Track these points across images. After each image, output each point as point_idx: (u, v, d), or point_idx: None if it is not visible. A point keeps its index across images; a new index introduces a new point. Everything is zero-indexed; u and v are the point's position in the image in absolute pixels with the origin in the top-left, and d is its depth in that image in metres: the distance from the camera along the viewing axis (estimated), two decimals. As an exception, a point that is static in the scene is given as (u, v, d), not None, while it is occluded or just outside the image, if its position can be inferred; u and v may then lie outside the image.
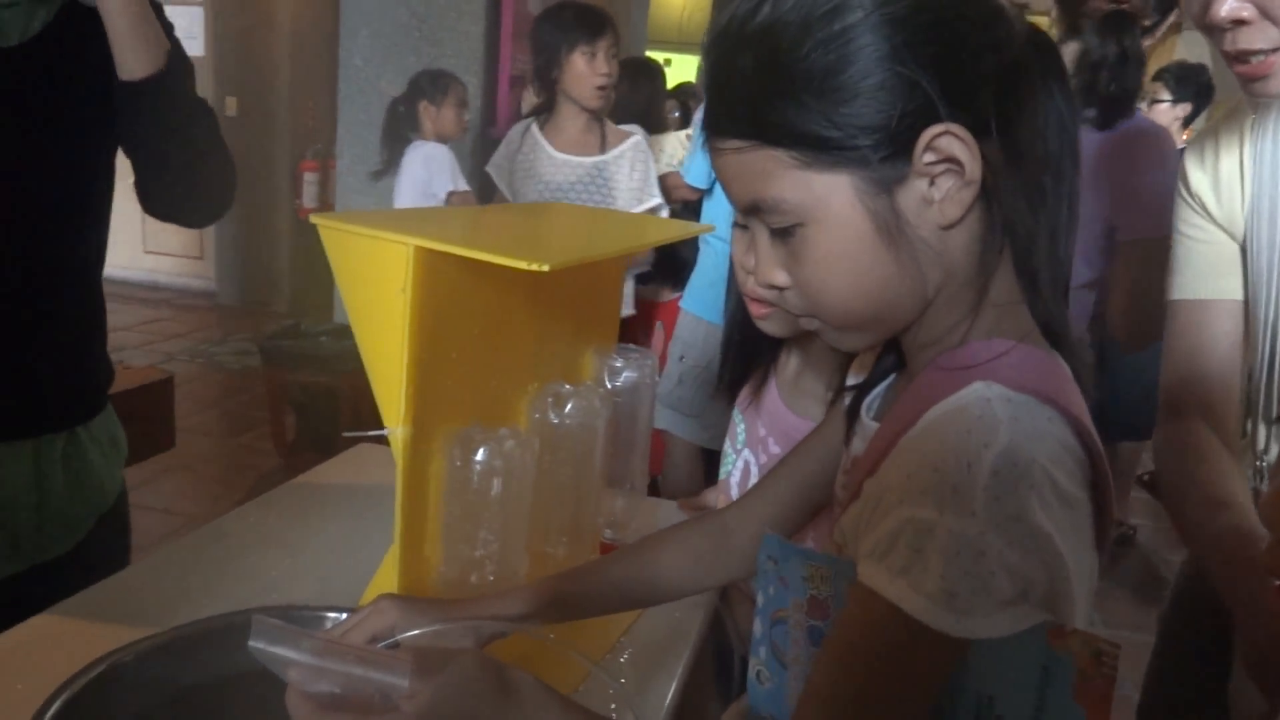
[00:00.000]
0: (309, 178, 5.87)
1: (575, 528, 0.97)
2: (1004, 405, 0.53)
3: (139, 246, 6.33)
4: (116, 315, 5.27)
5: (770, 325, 0.99)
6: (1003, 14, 0.59)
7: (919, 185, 0.57)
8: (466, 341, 0.83)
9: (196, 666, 0.74)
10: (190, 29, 5.80)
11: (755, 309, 0.95)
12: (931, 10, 0.56)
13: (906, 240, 0.58)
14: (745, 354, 1.21)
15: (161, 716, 0.71)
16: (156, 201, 1.11)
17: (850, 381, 0.79)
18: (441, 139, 3.01)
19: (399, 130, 3.04)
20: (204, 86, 5.76)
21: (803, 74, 0.56)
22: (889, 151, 0.56)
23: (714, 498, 1.40)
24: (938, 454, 0.53)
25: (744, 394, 1.27)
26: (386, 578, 0.81)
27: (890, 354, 0.73)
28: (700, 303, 2.31)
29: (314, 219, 0.76)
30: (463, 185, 2.94)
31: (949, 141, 0.56)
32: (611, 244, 0.92)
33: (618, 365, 1.06)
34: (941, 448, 0.53)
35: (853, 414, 0.73)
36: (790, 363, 1.17)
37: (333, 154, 4.07)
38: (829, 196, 0.58)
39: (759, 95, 0.58)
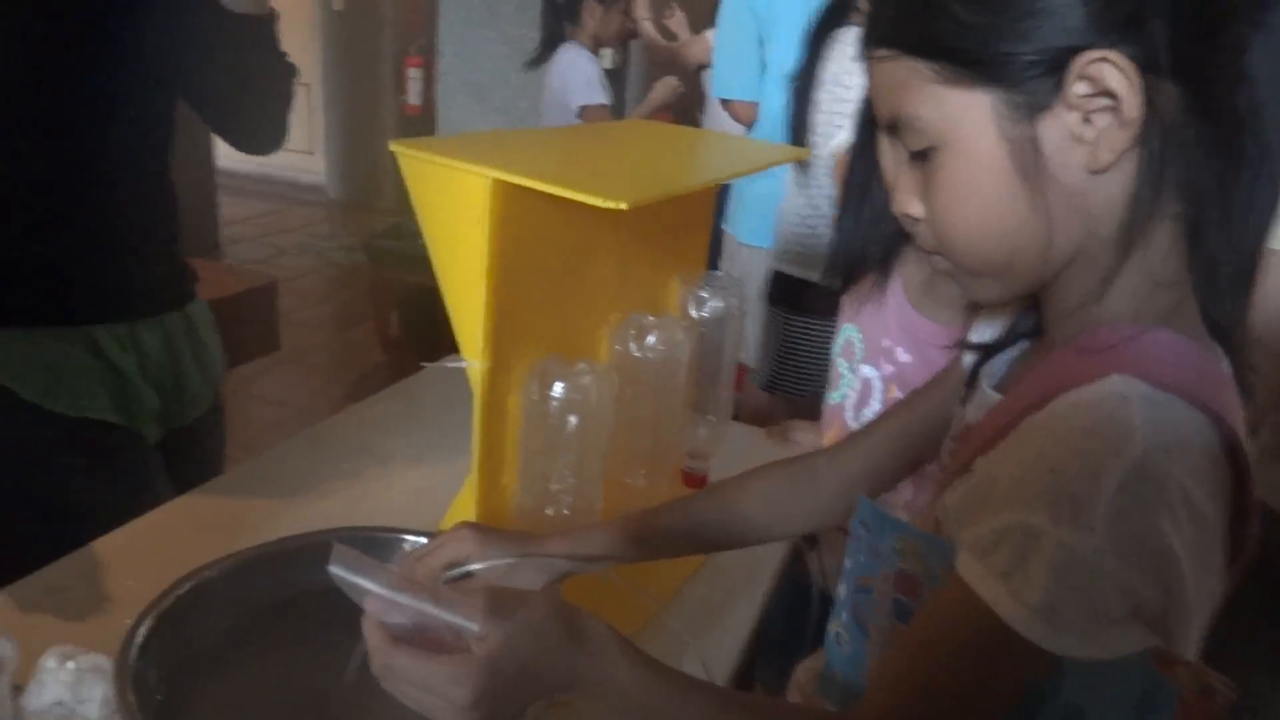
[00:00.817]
0: (413, 74, 5.86)
1: (655, 459, 0.96)
2: (1143, 407, 0.47)
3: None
4: (231, 208, 5.45)
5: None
6: None
7: (1068, 118, 0.51)
8: (546, 274, 0.82)
9: (280, 583, 0.77)
10: (298, -80, 5.78)
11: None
12: None
13: (1045, 179, 0.52)
14: (854, 260, 1.16)
15: (249, 630, 0.75)
16: (233, 131, 1.20)
17: (973, 337, 0.73)
18: (598, 42, 2.84)
19: (557, 22, 2.83)
20: (311, -20, 5.77)
21: None
22: (1034, 73, 0.50)
23: (802, 434, 1.37)
24: (1059, 454, 0.48)
25: (848, 306, 1.21)
26: (465, 505, 0.82)
27: (1026, 317, 0.66)
28: (757, 232, 2.22)
29: (392, 146, 0.75)
30: (598, 99, 2.75)
31: (1105, 70, 0.49)
32: (696, 175, 0.88)
33: (703, 295, 1.04)
34: (1064, 447, 0.48)
35: (972, 377, 0.68)
36: (922, 265, 1.12)
37: (435, 50, 4.05)
38: (965, 117, 0.53)
39: (904, 1, 0.55)
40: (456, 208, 0.73)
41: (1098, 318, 0.54)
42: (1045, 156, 0.52)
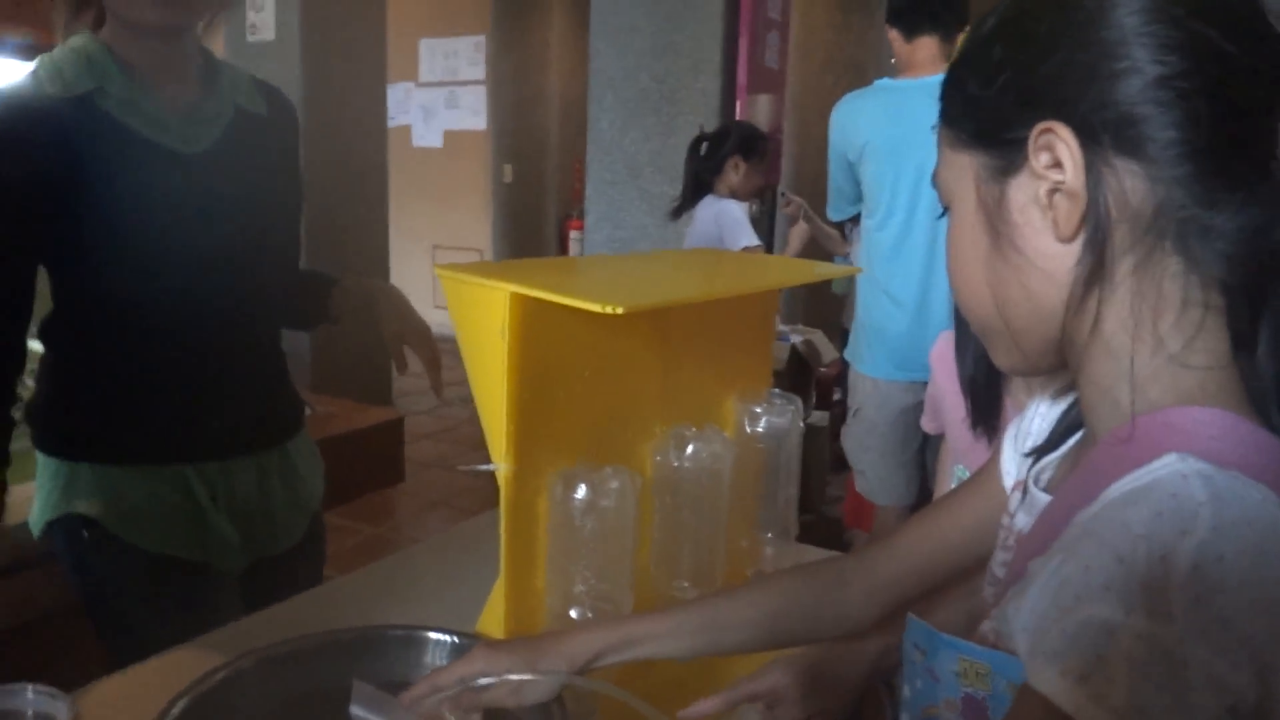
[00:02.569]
0: (574, 235, 6.28)
1: (699, 572, 0.96)
2: (1204, 483, 0.45)
3: (429, 301, 7.04)
4: (411, 360, 5.88)
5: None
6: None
7: (1034, 186, 0.52)
8: (575, 383, 0.86)
9: (306, 676, 0.81)
10: (475, 105, 6.45)
11: None
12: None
13: (1010, 240, 0.54)
14: (985, 394, 1.15)
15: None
16: None
17: (1011, 434, 0.72)
18: (735, 195, 2.98)
19: (701, 175, 2.99)
20: (484, 157, 6.37)
21: (965, 47, 0.57)
22: (1010, 138, 0.53)
23: None
24: (1123, 541, 0.44)
25: (960, 443, 1.20)
26: (496, 606, 0.85)
27: (1070, 415, 0.65)
28: (869, 360, 2.23)
29: (436, 268, 0.83)
30: (756, 240, 2.88)
31: (1053, 140, 0.50)
32: (719, 287, 0.92)
33: (757, 411, 1.05)
34: (1127, 533, 0.45)
35: (1021, 481, 0.67)
36: (1028, 395, 1.11)
37: (586, 212, 4.34)
38: (961, 177, 0.57)
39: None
40: (484, 321, 0.80)
41: (1123, 404, 0.52)
42: (1011, 219, 0.54)
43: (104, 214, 1.08)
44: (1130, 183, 0.49)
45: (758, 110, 3.82)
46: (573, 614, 0.83)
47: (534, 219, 6.41)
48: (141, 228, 1.10)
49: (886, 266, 2.16)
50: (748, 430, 1.05)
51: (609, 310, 0.71)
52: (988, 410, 1.15)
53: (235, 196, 1.17)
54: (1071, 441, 0.64)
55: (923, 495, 2.14)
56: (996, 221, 0.55)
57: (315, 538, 1.35)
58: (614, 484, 0.84)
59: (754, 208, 3.79)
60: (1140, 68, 0.48)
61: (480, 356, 0.81)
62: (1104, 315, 0.52)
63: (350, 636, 0.83)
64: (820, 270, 1.05)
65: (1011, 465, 0.71)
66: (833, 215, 2.48)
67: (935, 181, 0.61)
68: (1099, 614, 0.43)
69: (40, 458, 1.18)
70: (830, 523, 3.30)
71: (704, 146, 2.99)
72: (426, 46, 6.57)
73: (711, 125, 3.46)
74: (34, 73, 1.08)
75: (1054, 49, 0.51)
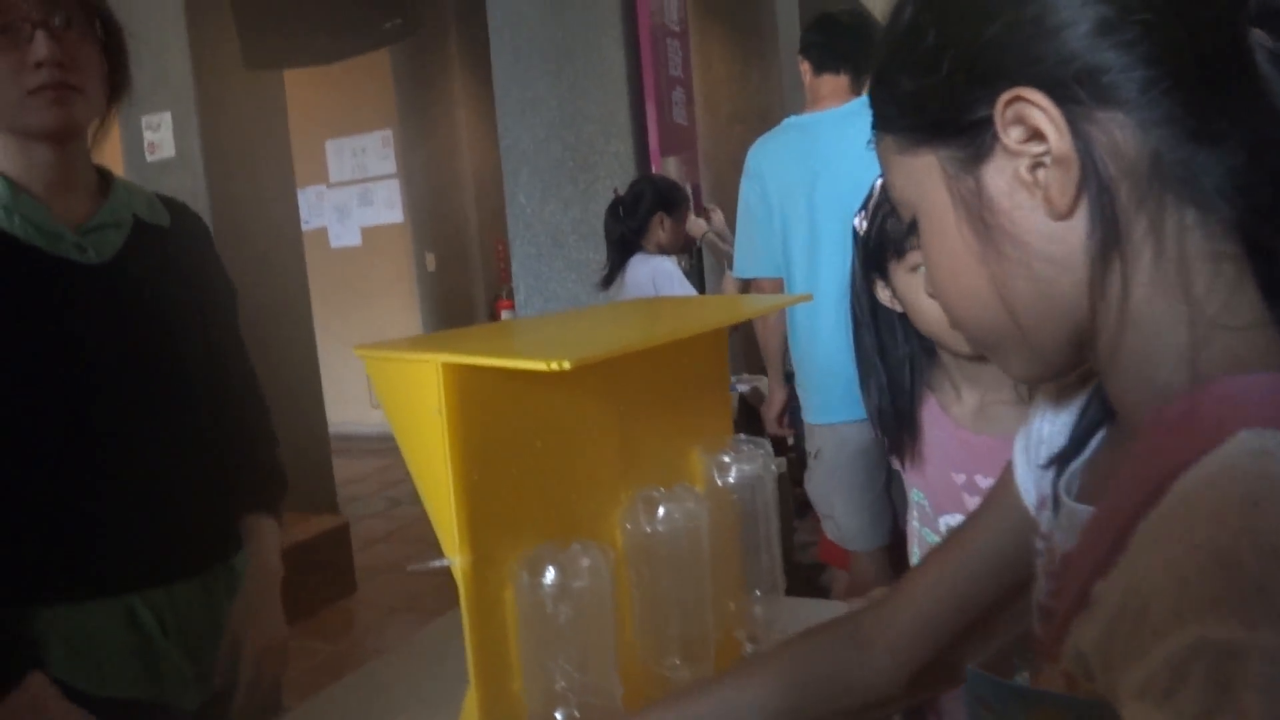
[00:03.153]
0: (506, 315, 6.20)
1: (689, 645, 0.87)
2: None
3: (366, 403, 6.87)
4: (351, 467, 5.70)
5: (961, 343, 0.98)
6: None
7: (1013, 165, 0.47)
8: (527, 456, 0.78)
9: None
10: (389, 199, 6.40)
11: None
12: None
13: (999, 231, 0.48)
14: (894, 423, 1.14)
15: None
16: None
17: (1041, 455, 0.63)
18: (664, 251, 2.96)
19: (625, 237, 2.95)
20: (404, 248, 6.31)
21: (884, 45, 0.53)
22: (969, 123, 0.47)
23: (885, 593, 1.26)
24: (1221, 542, 0.37)
25: (910, 470, 1.17)
26: (470, 718, 0.75)
27: (1089, 414, 0.58)
28: (819, 407, 2.18)
29: (356, 350, 0.75)
30: (693, 294, 2.88)
31: (1024, 109, 0.45)
32: (666, 331, 0.85)
33: (725, 460, 0.98)
34: (1222, 531, 0.37)
35: (1053, 492, 0.59)
36: (965, 394, 1.11)
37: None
38: (924, 181, 0.51)
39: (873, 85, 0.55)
40: (416, 400, 0.72)
41: (1166, 383, 0.46)
42: (995, 207, 0.48)
43: (4, 332, 0.99)
44: (1120, 134, 0.44)
45: (670, 171, 3.83)
46: (558, 716, 0.74)
47: (463, 304, 6.32)
48: (46, 342, 1.02)
49: (813, 307, 2.10)
50: (719, 483, 0.97)
51: (554, 367, 0.64)
52: (900, 438, 1.15)
53: (144, 307, 1.10)
54: (1096, 442, 0.58)
55: (895, 535, 2.06)
56: (982, 214, 0.48)
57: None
58: (585, 561, 0.75)
59: (682, 262, 3.79)
60: (1087, 13, 0.43)
61: (417, 440, 0.73)
62: (1130, 290, 0.46)
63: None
64: (768, 302, 0.99)
65: (1029, 482, 0.64)
66: (740, 272, 2.36)
67: (891, 195, 0.56)
68: (1212, 634, 0.35)
69: None
70: (806, 569, 3.22)
71: (621, 209, 2.97)
72: (333, 147, 6.52)
73: (634, 183, 3.46)
74: None
75: (994, 15, 0.46)
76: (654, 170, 3.64)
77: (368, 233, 6.55)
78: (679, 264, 3.60)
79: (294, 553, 2.02)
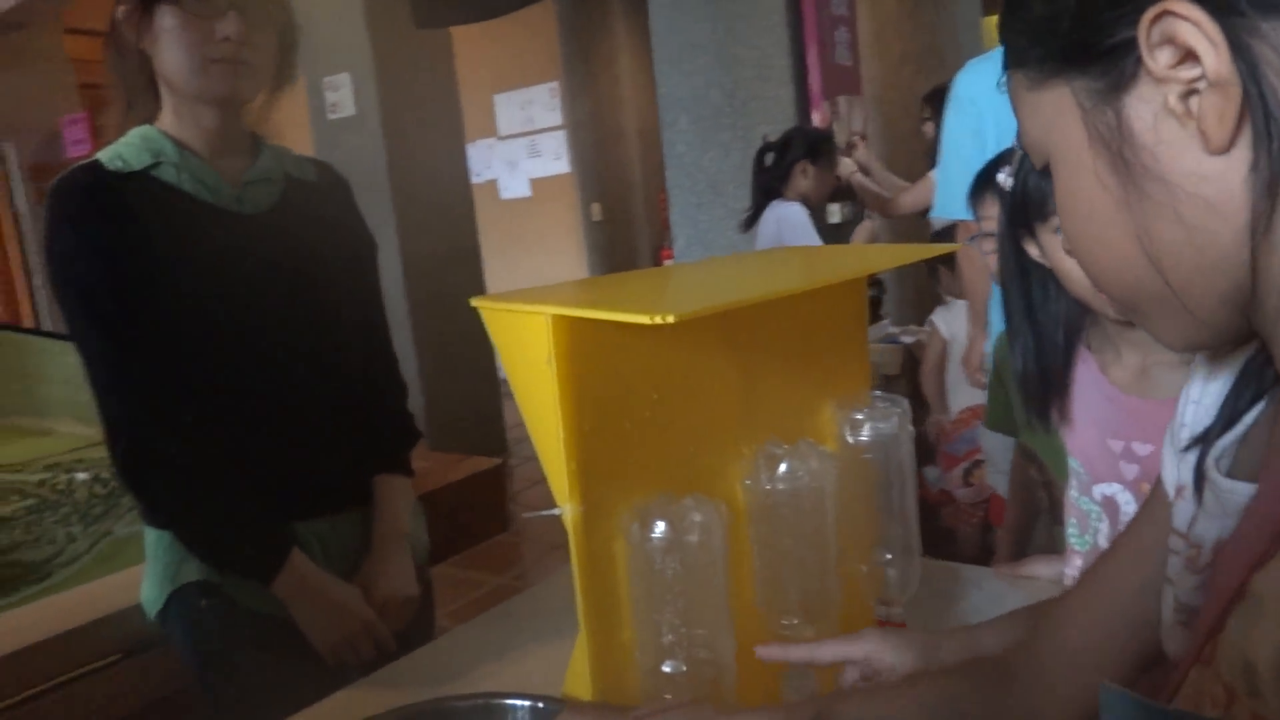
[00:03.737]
0: (669, 264, 6.22)
1: (810, 605, 0.85)
2: None
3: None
4: (515, 412, 5.95)
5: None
6: None
7: (1160, 94, 0.41)
8: (642, 408, 0.77)
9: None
10: (556, 150, 6.51)
11: None
12: None
13: (1142, 171, 0.42)
14: (1039, 389, 1.06)
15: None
16: None
17: (1167, 439, 0.58)
18: (806, 200, 2.92)
19: (769, 184, 2.96)
20: (571, 199, 6.42)
21: None
22: (1108, 47, 0.42)
23: (1045, 567, 1.18)
24: None
25: (1066, 437, 1.09)
26: (579, 666, 0.76)
27: (1247, 380, 0.52)
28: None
29: (473, 301, 0.76)
30: (817, 243, 2.82)
31: (1176, 26, 0.39)
32: (787, 283, 0.81)
33: (858, 418, 0.94)
34: None
35: (1197, 474, 0.53)
36: (1125, 355, 1.04)
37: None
38: (1056, 118, 0.46)
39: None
40: (530, 351, 0.72)
41: None
42: (1138, 142, 0.42)
43: (172, 277, 1.09)
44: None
45: (840, 112, 3.69)
46: (666, 668, 0.74)
47: (628, 253, 6.38)
48: (210, 286, 1.11)
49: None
50: (850, 441, 0.94)
51: (657, 320, 0.62)
52: (1047, 402, 1.07)
53: (296, 254, 1.18)
54: (1251, 417, 0.51)
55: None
56: (1123, 151, 0.43)
57: (424, 591, 1.31)
58: (697, 516, 0.74)
59: (845, 210, 3.66)
60: None
61: (531, 390, 0.73)
62: None
63: (417, 711, 0.75)
64: (911, 253, 0.94)
65: (1171, 471, 0.57)
66: (941, 212, 2.19)
67: (1023, 142, 0.50)
68: None
69: (151, 533, 1.19)
70: (943, 532, 3.08)
71: (769, 156, 2.92)
72: (502, 100, 6.68)
73: (785, 131, 3.36)
74: (94, 159, 1.12)
75: None
76: (815, 112, 3.52)
77: (536, 184, 6.70)
78: (842, 213, 3.49)
79: (449, 491, 2.13)
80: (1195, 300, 0.44)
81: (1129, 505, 1.04)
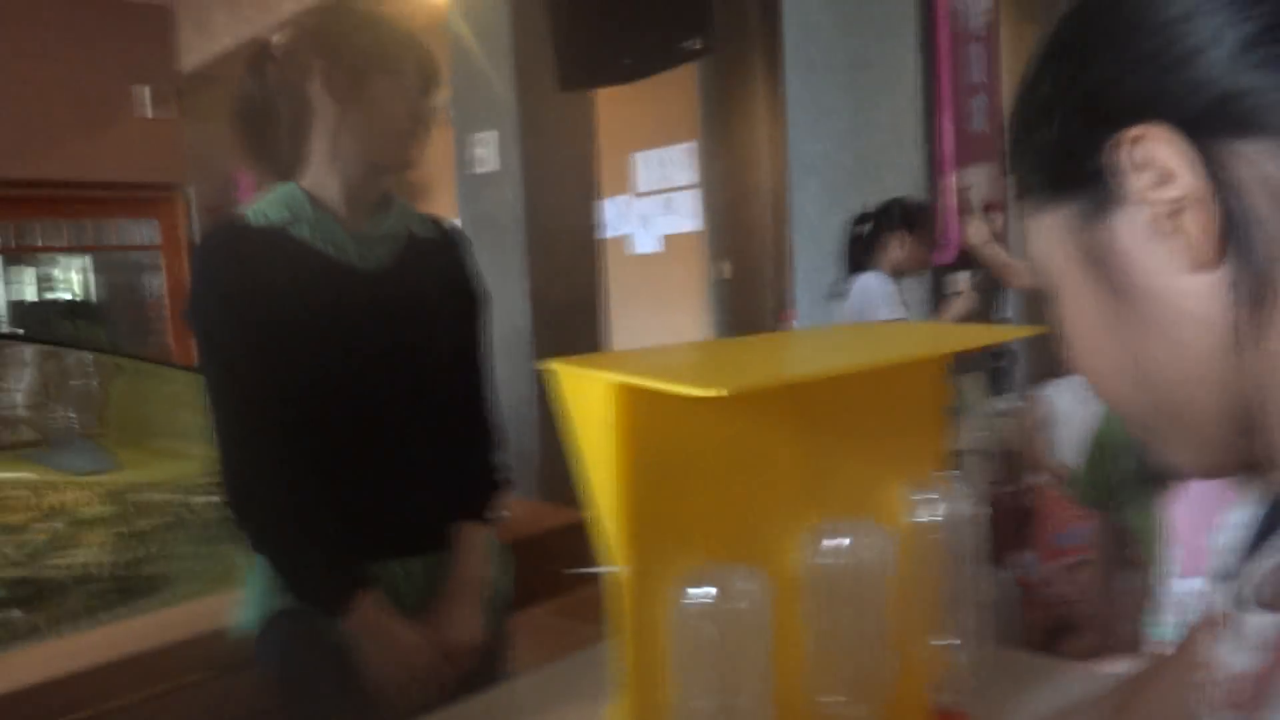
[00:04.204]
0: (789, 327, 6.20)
1: (859, 685, 0.84)
2: None
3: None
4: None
5: None
6: None
7: (1144, 214, 0.42)
8: (698, 476, 0.80)
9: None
10: (689, 208, 6.63)
11: None
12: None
13: (1133, 290, 0.43)
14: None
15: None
16: None
17: (1227, 536, 0.56)
18: (898, 270, 2.92)
19: (857, 256, 2.97)
20: (701, 256, 6.50)
21: (1015, 102, 0.49)
22: (1081, 173, 0.43)
23: (1124, 665, 1.13)
24: None
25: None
26: (619, 725, 0.78)
27: (1276, 512, 0.51)
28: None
29: (540, 365, 0.81)
30: (897, 314, 2.82)
31: (1152, 148, 0.40)
32: (854, 360, 0.83)
33: (928, 499, 0.93)
34: None
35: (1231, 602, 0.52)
36: None
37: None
38: (1057, 243, 0.47)
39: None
40: (594, 414, 0.76)
41: None
42: (1127, 261, 0.43)
43: (289, 326, 1.18)
44: (1271, 166, 0.38)
45: (973, 179, 3.63)
46: (702, 734, 0.75)
47: (752, 313, 6.40)
48: (322, 336, 1.20)
49: None
50: (917, 520, 0.93)
51: (711, 394, 0.65)
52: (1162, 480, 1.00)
53: (405, 309, 1.26)
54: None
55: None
56: (1112, 272, 0.44)
57: (498, 636, 1.36)
58: (741, 585, 0.76)
59: (976, 278, 3.57)
60: (1220, 35, 0.38)
61: (592, 453, 0.77)
62: None
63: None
64: (993, 334, 0.93)
65: (1212, 596, 0.55)
66: None
67: (1034, 268, 0.51)
68: None
69: (254, 560, 1.26)
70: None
71: (867, 226, 2.89)
72: (641, 158, 6.87)
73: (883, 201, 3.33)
74: (242, 212, 1.23)
75: (1110, 46, 0.41)
76: (947, 179, 3.47)
77: (669, 240, 6.83)
78: (956, 286, 3.42)
79: (552, 537, 2.19)
80: (1196, 422, 0.44)
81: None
